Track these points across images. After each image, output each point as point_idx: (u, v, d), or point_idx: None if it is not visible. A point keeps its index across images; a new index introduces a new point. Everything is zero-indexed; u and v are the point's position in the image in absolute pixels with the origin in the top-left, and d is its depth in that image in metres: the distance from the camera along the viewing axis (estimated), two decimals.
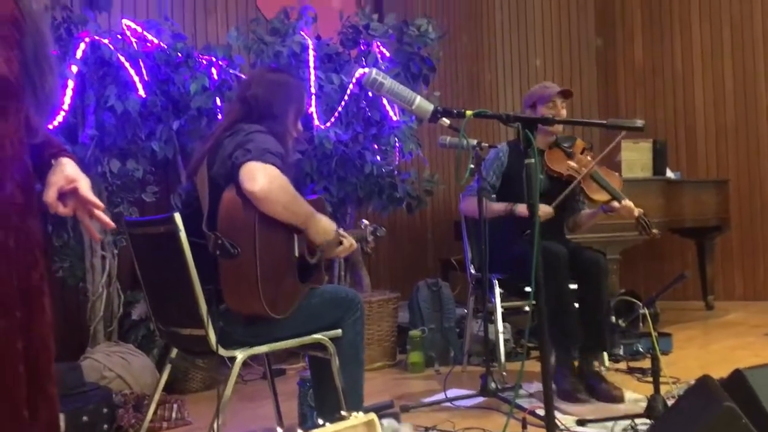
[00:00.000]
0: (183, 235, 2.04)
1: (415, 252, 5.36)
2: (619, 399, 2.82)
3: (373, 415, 1.31)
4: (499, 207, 3.16)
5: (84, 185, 1.32)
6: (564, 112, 3.17)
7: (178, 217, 2.04)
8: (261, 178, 1.97)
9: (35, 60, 1.28)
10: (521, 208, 3.08)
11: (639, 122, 1.55)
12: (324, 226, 2.18)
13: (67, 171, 1.31)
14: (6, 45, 1.22)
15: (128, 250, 3.45)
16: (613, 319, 3.31)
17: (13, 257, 1.24)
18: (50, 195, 1.28)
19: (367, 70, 3.69)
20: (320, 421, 1.35)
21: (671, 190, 4.70)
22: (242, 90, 2.29)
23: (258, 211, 2.02)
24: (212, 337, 2.08)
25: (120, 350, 3.15)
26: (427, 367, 3.81)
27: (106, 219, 1.35)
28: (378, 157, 3.89)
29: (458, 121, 1.86)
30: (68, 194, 1.31)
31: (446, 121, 1.83)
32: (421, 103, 1.81)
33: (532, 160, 1.62)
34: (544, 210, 2.99)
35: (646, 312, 2.50)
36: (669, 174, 4.91)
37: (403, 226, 5.20)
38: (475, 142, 3.12)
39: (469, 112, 1.76)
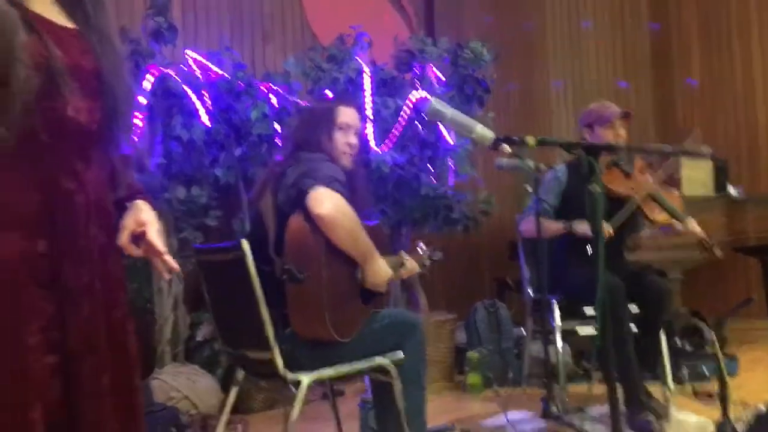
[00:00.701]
0: (250, 260, 2.10)
1: (470, 272, 5.35)
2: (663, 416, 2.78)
3: None
4: (556, 226, 3.15)
5: (152, 231, 1.36)
6: (624, 134, 3.14)
7: (245, 243, 2.11)
8: (328, 203, 2.04)
9: (115, 112, 1.34)
10: (579, 227, 3.06)
11: (705, 149, 1.55)
12: (379, 267, 2.23)
13: (140, 216, 1.37)
14: (89, 96, 1.29)
15: (194, 273, 3.60)
16: (678, 341, 3.24)
17: (99, 297, 1.30)
18: (123, 238, 1.34)
19: (423, 94, 3.77)
20: None
21: (733, 207, 4.58)
22: (289, 128, 2.41)
23: (324, 237, 2.08)
24: (279, 361, 2.13)
25: (186, 371, 3.25)
26: (486, 388, 3.80)
27: (172, 263, 1.40)
28: (433, 179, 3.93)
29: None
30: (140, 237, 1.37)
31: (507, 148, 1.85)
32: (482, 131, 1.83)
33: (597, 188, 1.63)
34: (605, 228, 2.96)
35: (713, 335, 2.44)
36: (730, 191, 4.79)
37: (457, 247, 5.19)
38: (532, 164, 3.12)
39: (530, 140, 1.78)
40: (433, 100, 1.77)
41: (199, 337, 3.41)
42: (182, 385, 3.16)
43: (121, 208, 1.40)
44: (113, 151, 1.37)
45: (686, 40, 5.94)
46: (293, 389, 2.15)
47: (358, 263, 2.23)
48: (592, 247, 2.92)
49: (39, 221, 1.22)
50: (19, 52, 1.17)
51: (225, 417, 2.45)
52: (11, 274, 1.19)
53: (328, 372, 2.19)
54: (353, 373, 2.31)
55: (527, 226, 3.23)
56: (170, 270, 1.40)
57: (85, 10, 1.33)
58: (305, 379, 2.13)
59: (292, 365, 2.16)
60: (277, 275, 2.10)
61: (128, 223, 1.35)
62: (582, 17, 5.96)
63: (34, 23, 1.23)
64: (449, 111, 1.82)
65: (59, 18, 1.30)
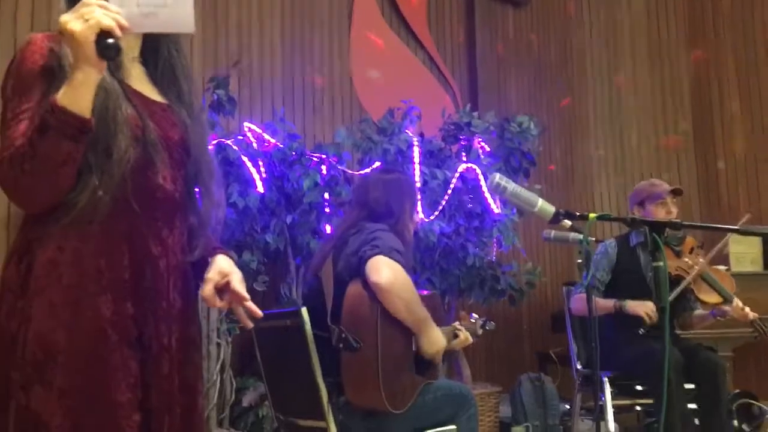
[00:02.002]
0: (309, 328, 2.13)
1: (511, 344, 5.28)
2: None
3: None
4: (607, 304, 3.13)
5: (236, 279, 1.40)
6: (675, 211, 3.15)
7: (305, 311, 2.15)
8: (386, 271, 2.07)
9: (197, 180, 1.42)
10: (631, 306, 3.04)
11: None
12: (435, 337, 2.24)
13: (222, 268, 1.41)
14: (175, 166, 1.36)
15: (240, 338, 3.64)
16: (735, 423, 3.14)
17: (175, 359, 1.34)
18: (207, 290, 1.38)
19: (471, 166, 3.84)
20: None
21: None
22: (360, 194, 2.43)
23: (381, 306, 2.10)
24: (333, 430, 2.13)
25: None
26: None
27: (255, 309, 1.43)
28: (477, 249, 3.95)
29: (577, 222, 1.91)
30: (223, 289, 1.41)
31: (568, 222, 1.88)
32: (543, 205, 1.87)
33: (661, 263, 1.64)
34: (649, 307, 2.93)
35: None
36: None
37: (499, 318, 5.14)
38: (580, 236, 3.13)
39: (592, 215, 1.81)
40: (496, 175, 1.82)
41: (245, 403, 3.40)
42: None
43: (200, 266, 1.43)
44: (192, 218, 1.43)
45: (728, 110, 5.94)
46: None
47: (413, 333, 2.24)
48: (644, 327, 2.91)
49: (128, 284, 1.28)
50: (122, 125, 1.26)
51: None
52: (105, 335, 1.24)
53: None
54: None
55: (578, 304, 3.21)
56: (253, 316, 1.42)
57: (180, 88, 1.43)
58: None
59: None
60: (333, 343, 2.12)
61: (212, 276, 1.38)
62: (623, 96, 6.03)
63: (131, 97, 1.32)
64: (511, 186, 1.87)
65: (152, 93, 1.40)
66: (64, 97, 1.16)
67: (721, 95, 5.92)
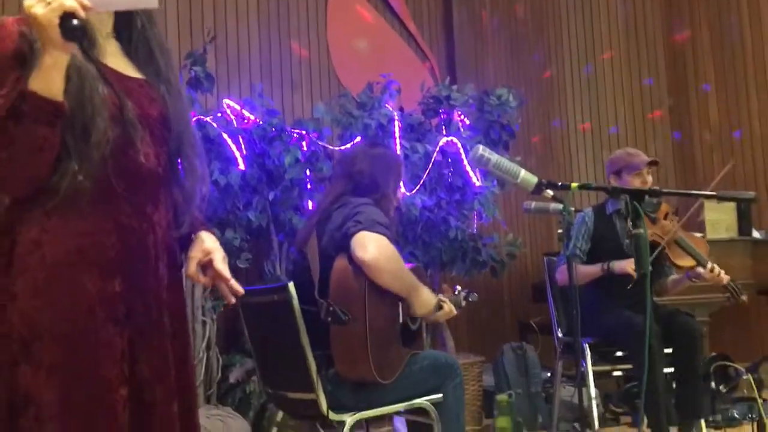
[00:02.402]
0: (296, 303, 2.16)
1: (493, 314, 5.36)
2: None
3: None
4: (593, 269, 3.18)
5: (218, 257, 1.44)
6: (650, 180, 3.20)
7: (291, 286, 2.17)
8: (372, 247, 2.09)
9: (180, 156, 1.43)
10: (618, 265, 3.09)
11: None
12: (426, 298, 2.28)
13: (205, 244, 1.44)
14: (157, 142, 1.36)
15: (225, 315, 3.65)
16: (713, 384, 3.24)
17: (167, 331, 1.37)
18: (191, 268, 1.42)
19: (451, 139, 3.85)
20: None
21: (758, 250, 4.59)
22: (346, 166, 2.43)
23: (368, 279, 2.13)
24: (323, 401, 2.16)
25: (219, 413, 3.27)
26: None
27: (238, 287, 1.47)
28: (459, 222, 3.98)
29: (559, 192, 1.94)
30: (207, 266, 1.44)
31: (550, 193, 1.91)
32: (526, 176, 1.90)
33: (641, 230, 1.68)
34: (632, 265, 2.99)
35: (751, 378, 2.45)
36: (755, 234, 4.81)
37: (480, 289, 5.20)
38: (561, 206, 3.17)
39: (574, 185, 1.84)
40: (479, 146, 1.84)
41: (232, 379, 3.43)
42: (216, 427, 3.18)
43: (185, 242, 1.46)
44: (177, 193, 1.43)
45: (703, 82, 6.02)
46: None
47: (399, 305, 2.27)
48: (627, 290, 2.97)
49: (115, 262, 1.29)
50: (99, 107, 1.25)
51: None
52: (90, 312, 1.26)
53: (370, 413, 2.22)
54: (393, 413, 2.34)
55: (563, 275, 3.26)
56: (235, 294, 1.46)
57: (157, 64, 1.42)
58: (349, 419, 2.16)
59: (334, 406, 2.19)
60: (322, 317, 2.15)
61: (195, 254, 1.43)
62: (598, 59, 6.07)
63: (107, 76, 1.31)
64: (494, 157, 1.89)
65: (128, 69, 1.38)
66: (34, 82, 1.15)
67: (696, 68, 5.99)
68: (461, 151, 3.83)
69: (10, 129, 1.15)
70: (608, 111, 6.05)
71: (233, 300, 1.48)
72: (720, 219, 4.56)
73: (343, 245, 2.16)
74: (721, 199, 1.75)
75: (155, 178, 1.36)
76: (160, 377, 1.34)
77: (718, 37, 5.88)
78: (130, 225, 1.32)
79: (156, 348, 1.34)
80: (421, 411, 2.32)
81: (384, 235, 2.14)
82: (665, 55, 6.15)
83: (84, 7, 1.12)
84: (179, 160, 1.44)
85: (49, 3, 1.10)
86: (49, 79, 1.16)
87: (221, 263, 1.45)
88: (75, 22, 1.11)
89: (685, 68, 6.09)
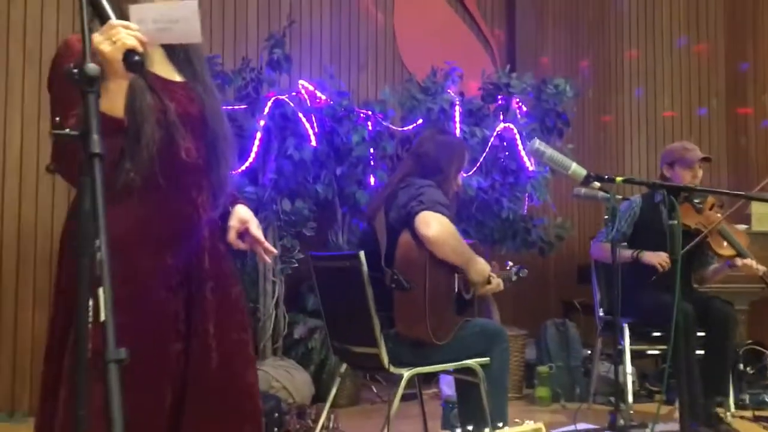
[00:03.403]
0: (365, 269, 2.45)
1: (539, 292, 5.59)
2: None
3: (541, 424, 1.60)
4: (626, 254, 3.40)
5: (253, 225, 1.70)
6: (701, 175, 3.38)
7: (362, 255, 2.46)
8: (434, 225, 2.37)
9: (215, 148, 1.65)
10: (647, 256, 3.31)
11: None
12: (481, 267, 2.55)
13: (241, 214, 1.70)
14: (197, 137, 1.58)
15: (292, 277, 4.00)
16: (741, 366, 3.44)
17: (211, 301, 1.59)
18: (231, 236, 1.68)
19: (508, 125, 4.09)
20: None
21: None
22: (416, 146, 2.71)
23: (429, 253, 2.41)
24: (384, 356, 2.47)
25: (284, 365, 3.64)
26: (553, 402, 4.05)
27: (271, 248, 1.76)
28: (511, 203, 4.23)
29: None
30: (245, 233, 1.72)
31: (597, 184, 2.15)
32: (576, 168, 2.15)
33: (675, 222, 1.91)
34: (663, 257, 3.21)
35: None
36: None
37: (528, 267, 5.44)
38: (608, 195, 3.39)
39: (619, 178, 2.08)
40: (536, 140, 2.09)
41: (296, 336, 3.78)
42: (281, 376, 3.54)
43: (224, 217, 1.74)
44: (215, 179, 1.67)
45: (762, 80, 6.06)
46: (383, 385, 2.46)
47: (455, 277, 2.55)
48: (658, 276, 3.19)
49: (166, 240, 1.54)
50: (147, 115, 1.50)
51: (328, 405, 2.79)
52: (145, 281, 1.50)
53: (426, 368, 2.52)
54: (441, 371, 2.62)
55: (598, 252, 3.50)
56: (270, 254, 1.74)
57: (194, 68, 1.67)
58: (406, 372, 2.47)
59: (394, 361, 2.50)
60: (387, 283, 2.44)
61: (233, 224, 1.68)
62: (657, 60, 6.15)
63: (154, 84, 1.56)
64: (549, 151, 2.15)
65: (171, 73, 1.64)
66: (102, 103, 1.35)
67: (755, 65, 6.02)
68: (517, 136, 4.06)
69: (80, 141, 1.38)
70: (665, 100, 6.14)
71: (268, 260, 1.76)
72: (766, 212, 4.67)
73: (407, 222, 2.44)
74: (752, 199, 1.96)
75: (197, 169, 1.58)
76: (203, 333, 1.57)
77: None
78: (180, 209, 1.55)
79: (201, 315, 1.57)
80: (469, 371, 2.60)
81: (444, 214, 2.41)
82: (724, 47, 6.17)
83: (142, 43, 1.33)
84: (215, 152, 1.66)
85: (114, 42, 1.28)
86: (114, 101, 1.36)
87: (256, 229, 1.71)
88: (136, 58, 1.29)
89: (744, 63, 6.11)
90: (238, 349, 1.64)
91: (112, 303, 1.12)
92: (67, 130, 1.19)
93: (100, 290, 1.13)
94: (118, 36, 1.28)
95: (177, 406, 1.53)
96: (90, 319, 1.14)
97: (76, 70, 1.16)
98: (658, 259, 3.25)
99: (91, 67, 1.15)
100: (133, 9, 1.36)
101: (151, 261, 1.50)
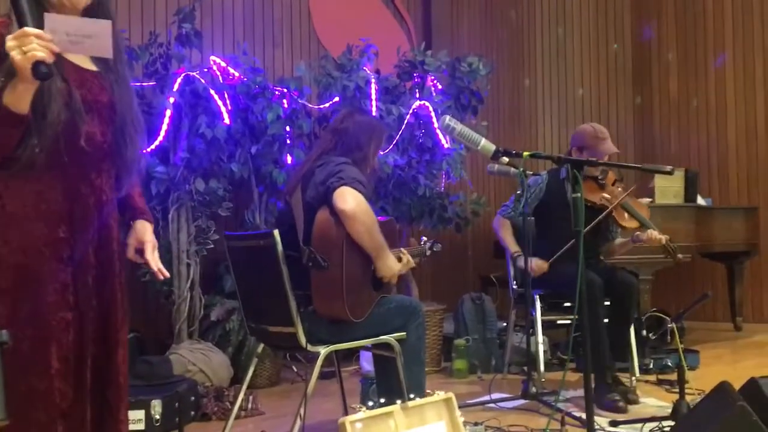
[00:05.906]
0: (280, 248, 2.43)
1: (457, 267, 5.72)
2: (633, 402, 3.18)
3: (451, 394, 1.66)
4: (510, 246, 3.60)
5: (148, 249, 1.83)
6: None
7: (277, 233, 2.43)
8: (351, 200, 2.37)
9: (123, 133, 1.75)
10: (519, 262, 3.49)
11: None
12: (390, 263, 2.56)
13: (139, 234, 1.85)
14: (104, 122, 1.68)
15: (207, 258, 3.92)
16: (645, 333, 3.63)
17: (98, 273, 1.70)
18: (130, 253, 1.84)
19: (424, 103, 4.11)
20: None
21: (702, 216, 4.96)
22: (334, 125, 2.70)
23: (346, 231, 2.41)
24: (301, 334, 2.46)
25: (201, 347, 3.57)
26: (470, 374, 4.15)
27: (164, 272, 1.87)
28: (428, 181, 4.28)
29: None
30: (141, 251, 1.85)
31: (505, 159, 2.21)
32: (485, 144, 2.19)
33: (578, 194, 1.98)
34: (539, 265, 3.40)
35: (674, 327, 2.81)
36: (700, 201, 5.19)
37: (446, 244, 5.55)
38: (520, 170, 3.48)
39: (526, 153, 2.13)
40: (447, 116, 2.12)
41: (213, 318, 3.72)
42: (198, 359, 3.48)
43: (123, 209, 1.85)
44: (119, 162, 1.76)
45: (665, 57, 6.35)
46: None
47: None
48: (566, 249, 3.32)
49: (61, 215, 1.64)
50: (55, 95, 1.57)
51: (245, 386, 2.76)
52: (39, 251, 1.60)
53: (342, 345, 2.53)
54: (358, 347, 2.64)
55: (495, 223, 3.69)
56: (156, 278, 1.88)
57: (107, 60, 1.71)
58: (323, 350, 2.47)
59: (311, 339, 2.49)
60: (303, 262, 2.43)
61: (131, 242, 1.85)
62: (567, 37, 6.33)
63: (67, 69, 1.63)
64: (459, 126, 2.18)
65: (85, 62, 1.71)
66: (8, 98, 1.47)
67: (660, 43, 6.29)
68: (433, 114, 4.09)
69: None
70: (575, 77, 6.34)
71: (161, 277, 1.87)
72: (669, 186, 4.92)
73: (325, 198, 2.43)
74: (644, 170, 2.06)
75: (100, 151, 1.68)
76: (91, 308, 1.68)
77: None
78: (77, 188, 1.64)
79: (87, 285, 1.67)
80: (386, 346, 2.63)
81: (362, 192, 2.41)
82: (631, 26, 6.43)
83: (52, 54, 1.41)
84: (123, 137, 1.76)
85: (26, 53, 1.37)
86: (20, 99, 1.46)
87: (150, 254, 1.84)
88: (44, 69, 1.39)
89: (650, 43, 6.39)
90: (116, 326, 1.74)
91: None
92: None
93: None
94: (30, 46, 1.37)
95: (76, 373, 1.62)
96: None
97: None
98: (530, 265, 3.40)
99: None
100: (49, 18, 1.43)
101: (45, 233, 1.59)
